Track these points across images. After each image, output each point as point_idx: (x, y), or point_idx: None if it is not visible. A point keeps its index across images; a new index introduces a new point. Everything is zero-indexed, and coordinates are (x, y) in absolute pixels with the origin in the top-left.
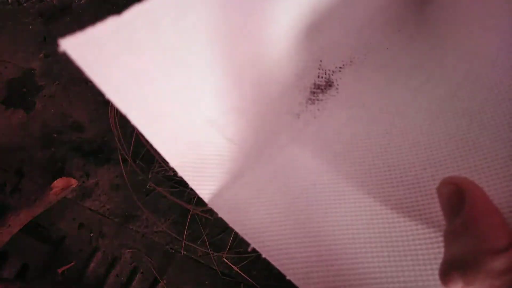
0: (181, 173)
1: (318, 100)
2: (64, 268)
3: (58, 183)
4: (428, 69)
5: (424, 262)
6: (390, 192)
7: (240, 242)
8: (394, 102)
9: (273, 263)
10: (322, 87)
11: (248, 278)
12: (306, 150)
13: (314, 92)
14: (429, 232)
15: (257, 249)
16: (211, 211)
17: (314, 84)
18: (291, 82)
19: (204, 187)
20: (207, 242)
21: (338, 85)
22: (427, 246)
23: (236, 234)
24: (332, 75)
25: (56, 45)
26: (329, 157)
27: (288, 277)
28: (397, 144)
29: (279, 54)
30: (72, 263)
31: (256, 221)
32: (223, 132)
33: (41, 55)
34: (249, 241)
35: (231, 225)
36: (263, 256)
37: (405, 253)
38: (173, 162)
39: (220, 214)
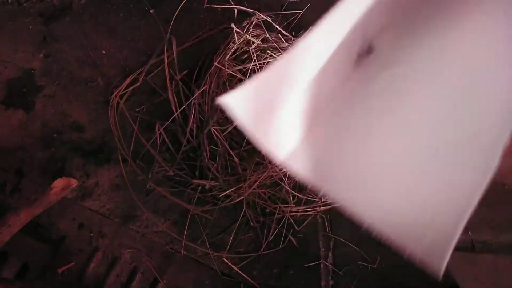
0: (263, 145)
1: (362, 63)
2: (64, 268)
3: (58, 183)
4: (452, 28)
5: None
6: (417, 129)
7: (240, 242)
8: (423, 59)
9: (344, 203)
10: (365, 51)
11: (248, 278)
12: (354, 110)
13: (360, 56)
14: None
15: (329, 191)
16: (211, 211)
17: (360, 49)
18: (344, 52)
19: (281, 150)
20: (207, 242)
21: (378, 48)
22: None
23: (236, 234)
24: (373, 40)
25: (56, 45)
26: (374, 113)
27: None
28: (424, 97)
29: (335, 37)
30: (72, 263)
31: (326, 165)
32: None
33: (41, 55)
34: (322, 185)
35: (306, 178)
36: (334, 194)
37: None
38: (259, 139)
39: (295, 168)
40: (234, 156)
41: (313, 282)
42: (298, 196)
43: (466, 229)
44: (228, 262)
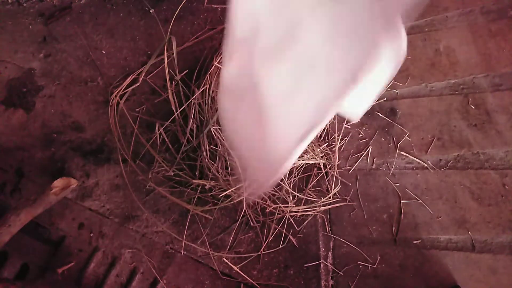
0: None
1: None
2: (64, 268)
3: (58, 183)
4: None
5: None
6: None
7: (240, 242)
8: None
9: None
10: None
11: (248, 278)
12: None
13: None
14: None
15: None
16: (211, 211)
17: None
18: None
19: None
20: (207, 242)
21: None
22: None
23: (236, 234)
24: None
25: (56, 45)
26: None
27: None
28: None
29: None
30: (72, 263)
31: None
32: None
33: (41, 55)
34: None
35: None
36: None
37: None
38: None
39: None
40: (234, 156)
41: (313, 282)
42: (298, 196)
43: (466, 229)
44: (228, 262)
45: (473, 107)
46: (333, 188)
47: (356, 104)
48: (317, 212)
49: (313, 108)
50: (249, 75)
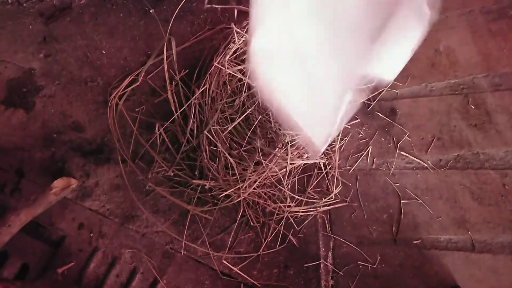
0: None
1: None
2: (64, 268)
3: (58, 183)
4: None
5: None
6: None
7: (240, 242)
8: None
9: None
10: None
11: (248, 278)
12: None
13: None
14: None
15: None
16: (211, 211)
17: None
18: None
19: None
20: (207, 242)
21: None
22: None
23: (236, 234)
24: None
25: (56, 45)
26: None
27: None
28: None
29: None
30: (72, 263)
31: None
32: None
33: (41, 55)
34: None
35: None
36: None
37: None
38: None
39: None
40: (234, 156)
41: (313, 282)
42: (298, 196)
43: (466, 229)
44: (228, 263)
45: (473, 107)
46: (333, 188)
47: (389, 65)
48: (317, 212)
49: (347, 65)
50: (285, 38)
